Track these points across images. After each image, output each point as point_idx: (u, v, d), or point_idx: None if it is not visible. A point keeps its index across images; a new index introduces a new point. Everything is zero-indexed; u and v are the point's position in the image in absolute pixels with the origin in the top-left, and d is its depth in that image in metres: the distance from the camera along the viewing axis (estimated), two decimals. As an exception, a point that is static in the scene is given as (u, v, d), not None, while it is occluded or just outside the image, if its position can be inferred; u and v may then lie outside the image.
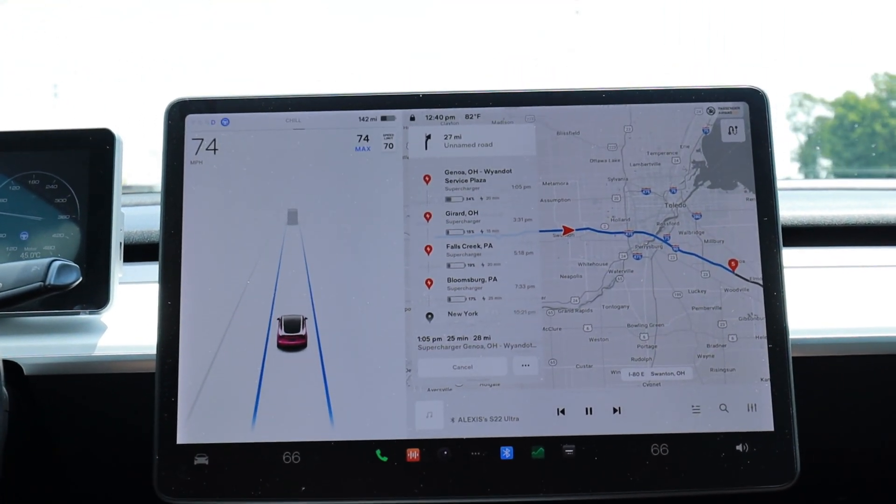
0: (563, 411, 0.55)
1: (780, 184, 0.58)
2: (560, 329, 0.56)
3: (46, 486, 0.67)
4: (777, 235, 0.57)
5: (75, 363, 0.61)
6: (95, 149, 0.67)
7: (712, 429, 0.55)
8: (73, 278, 0.57)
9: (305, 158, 0.58)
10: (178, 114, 0.59)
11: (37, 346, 0.62)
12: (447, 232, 0.57)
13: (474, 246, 0.57)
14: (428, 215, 0.58)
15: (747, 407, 0.55)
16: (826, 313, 0.66)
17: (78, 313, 0.65)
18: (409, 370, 0.55)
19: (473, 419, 0.55)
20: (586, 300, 0.56)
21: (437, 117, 0.59)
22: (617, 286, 0.57)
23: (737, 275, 0.57)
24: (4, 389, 0.56)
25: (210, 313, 0.56)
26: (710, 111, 0.59)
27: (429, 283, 0.57)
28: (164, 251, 0.57)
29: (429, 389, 0.55)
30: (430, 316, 0.56)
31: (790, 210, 0.86)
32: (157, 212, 0.57)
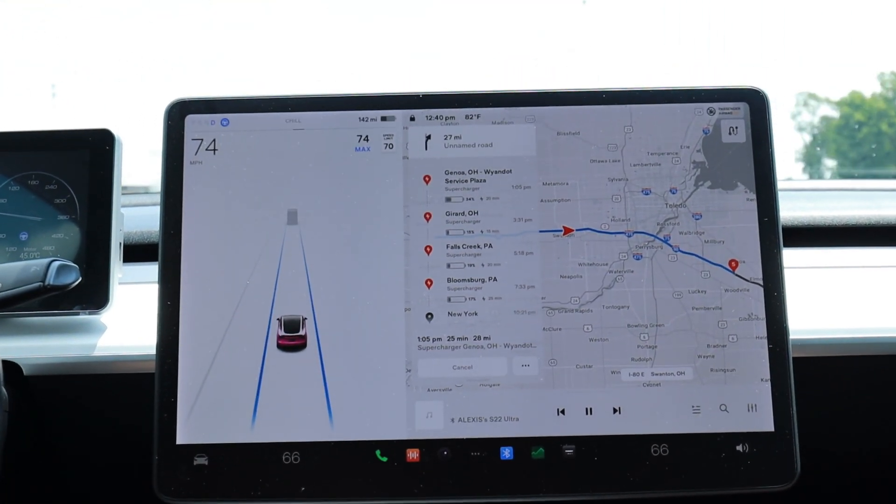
0: (563, 411, 0.55)
1: (780, 184, 0.58)
2: (560, 329, 0.56)
3: (46, 487, 0.67)
4: (777, 236, 0.57)
5: (75, 363, 0.61)
6: (95, 149, 0.67)
7: (712, 429, 0.55)
8: (73, 278, 0.57)
9: (305, 159, 0.58)
10: (178, 114, 0.59)
11: (36, 347, 0.62)
12: (447, 232, 0.57)
13: (474, 246, 0.57)
14: (428, 215, 0.58)
15: (747, 407, 0.55)
16: (826, 314, 0.66)
17: (77, 313, 0.65)
18: (409, 370, 0.55)
19: (473, 419, 0.55)
20: (586, 300, 0.56)
21: (437, 117, 0.59)
22: (617, 286, 0.57)
23: (737, 275, 0.57)
24: (4, 390, 0.56)
25: (210, 313, 0.56)
26: (711, 111, 0.59)
27: (429, 283, 0.57)
28: (163, 251, 0.57)
29: (429, 389, 0.55)
30: (430, 316, 0.56)
31: (790, 210, 0.86)
32: (157, 212, 0.57)
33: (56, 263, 0.56)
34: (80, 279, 0.57)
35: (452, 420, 0.55)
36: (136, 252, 0.78)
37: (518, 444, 0.54)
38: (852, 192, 1.07)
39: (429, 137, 0.59)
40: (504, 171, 0.58)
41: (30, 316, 0.66)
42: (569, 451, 0.54)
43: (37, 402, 0.62)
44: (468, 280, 0.57)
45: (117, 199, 0.67)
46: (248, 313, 0.56)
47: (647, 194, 0.58)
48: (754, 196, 0.57)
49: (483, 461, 0.54)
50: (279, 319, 0.56)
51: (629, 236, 0.57)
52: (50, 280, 0.55)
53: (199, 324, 0.56)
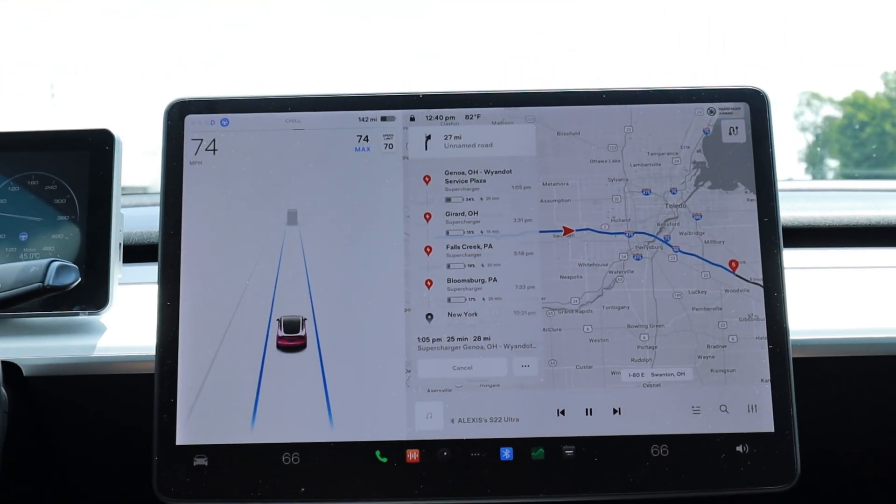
0: (563, 412, 0.55)
1: (780, 184, 0.58)
2: (560, 330, 0.56)
3: (46, 487, 0.67)
4: (777, 236, 0.57)
5: (75, 364, 0.61)
6: (95, 149, 0.67)
7: (712, 430, 0.55)
8: (73, 279, 0.56)
9: (305, 159, 0.58)
10: (178, 114, 0.59)
11: (36, 347, 0.62)
12: (447, 232, 0.57)
13: (474, 246, 0.57)
14: (428, 216, 0.58)
15: (747, 408, 0.55)
16: (826, 314, 0.66)
17: (77, 314, 0.65)
18: (409, 371, 0.55)
19: (473, 420, 0.55)
20: (586, 301, 0.56)
21: (437, 118, 0.59)
22: (617, 287, 0.56)
23: (737, 275, 0.57)
24: (4, 390, 0.56)
25: (209, 314, 0.56)
26: (711, 112, 0.59)
27: (429, 283, 0.57)
28: (163, 252, 0.57)
29: (428, 390, 0.55)
30: (429, 316, 0.56)
31: (791, 211, 0.86)
32: (157, 212, 0.57)
33: (56, 264, 0.56)
34: (79, 280, 0.57)
35: (452, 420, 0.55)
36: (136, 252, 0.78)
37: (518, 444, 0.54)
38: (852, 193, 1.07)
39: (429, 137, 0.59)
40: (504, 172, 0.58)
41: (29, 316, 0.66)
42: (569, 452, 0.54)
43: (36, 402, 0.62)
44: (468, 280, 0.57)
45: (117, 199, 0.67)
46: (248, 314, 0.56)
47: (647, 194, 0.58)
48: (754, 196, 0.57)
49: (483, 462, 0.54)
50: (279, 320, 0.56)
51: (629, 236, 0.57)
52: (50, 280, 0.55)
53: (198, 324, 0.56)
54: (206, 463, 0.54)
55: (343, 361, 0.55)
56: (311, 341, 0.56)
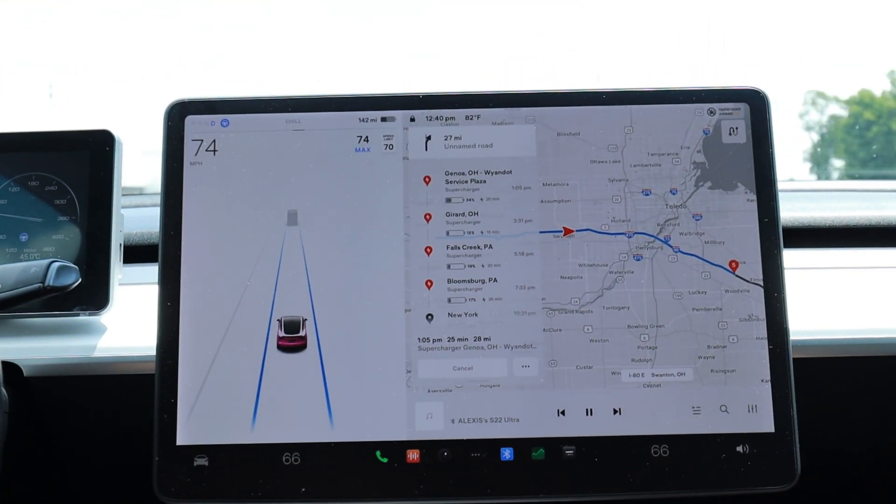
0: (563, 412, 0.55)
1: (780, 185, 0.58)
2: (560, 330, 0.56)
3: (46, 488, 0.67)
4: (777, 236, 0.57)
5: (75, 364, 0.61)
6: (95, 150, 0.67)
7: (713, 430, 0.55)
8: (73, 279, 0.57)
9: (305, 159, 0.58)
10: (178, 115, 0.59)
11: (36, 348, 0.62)
12: (447, 233, 0.57)
13: (474, 247, 0.57)
14: (428, 216, 0.58)
15: (748, 408, 0.55)
16: (827, 315, 0.66)
17: (77, 314, 0.65)
18: (409, 371, 0.55)
19: (473, 420, 0.55)
20: (586, 301, 0.56)
21: (437, 118, 0.59)
22: (617, 287, 0.57)
23: (737, 276, 0.57)
24: (4, 391, 0.56)
25: (210, 314, 0.56)
26: (711, 112, 0.59)
27: (429, 284, 0.57)
28: (163, 252, 0.57)
29: (429, 390, 0.55)
30: (430, 317, 0.56)
31: (791, 211, 0.86)
32: (157, 213, 0.57)
33: (56, 264, 0.56)
34: (80, 280, 0.57)
35: (453, 421, 0.55)
36: (137, 253, 0.78)
37: (518, 444, 0.54)
38: (853, 193, 1.07)
39: (429, 138, 0.59)
40: (504, 172, 0.58)
41: (30, 317, 0.66)
42: (569, 452, 0.54)
43: (37, 403, 0.62)
44: (468, 281, 0.57)
45: (117, 200, 0.67)
46: (249, 314, 0.56)
47: (647, 195, 0.58)
48: (754, 197, 0.57)
49: (483, 462, 0.54)
50: (279, 320, 0.56)
51: (629, 237, 0.57)
52: (50, 281, 0.55)
53: (199, 325, 0.56)
54: (206, 463, 0.54)
55: (343, 362, 0.55)
56: (311, 342, 0.56)
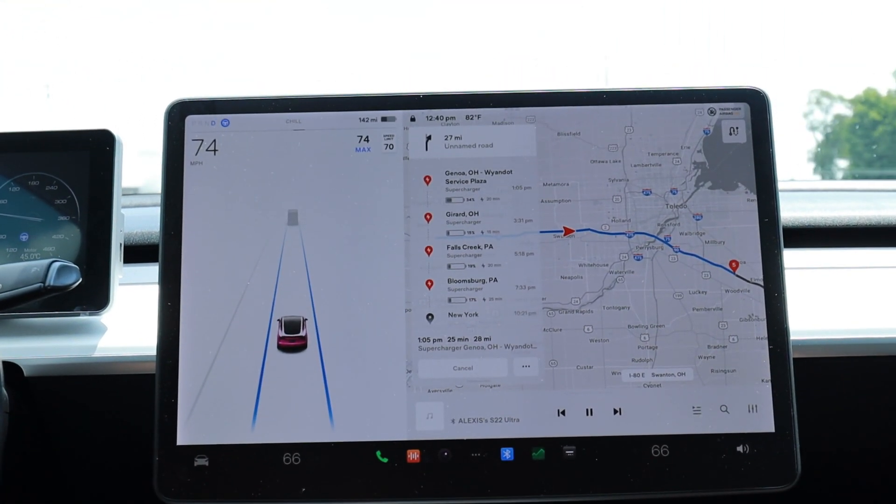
0: (563, 412, 0.55)
1: (781, 184, 0.58)
2: (560, 330, 0.56)
3: (47, 488, 0.67)
4: (778, 236, 0.57)
5: (75, 364, 0.61)
6: (95, 150, 0.67)
7: (713, 430, 0.55)
8: (73, 279, 0.57)
9: (306, 159, 0.58)
10: (178, 115, 0.59)
11: (37, 348, 0.62)
12: (447, 233, 0.57)
13: (475, 247, 0.57)
14: (428, 216, 0.58)
15: (748, 408, 0.55)
16: (827, 314, 0.66)
17: (78, 314, 0.65)
18: (410, 371, 0.55)
19: (474, 420, 0.55)
20: (587, 301, 0.56)
21: (437, 118, 0.59)
22: (617, 287, 0.57)
23: (737, 276, 0.57)
24: (4, 391, 0.56)
25: (210, 314, 0.56)
26: (711, 112, 0.59)
27: (429, 283, 0.57)
28: (164, 252, 0.57)
29: (429, 390, 0.55)
30: (430, 317, 0.56)
31: (791, 211, 0.86)
32: (157, 213, 0.57)
33: (56, 264, 0.56)
34: (80, 280, 0.57)
35: (453, 421, 0.55)
36: (137, 253, 0.78)
37: (518, 444, 0.54)
38: (853, 193, 1.07)
39: (429, 138, 0.59)
40: (504, 172, 0.58)
41: (30, 317, 0.66)
42: (569, 452, 0.54)
43: (37, 402, 0.62)
44: (468, 281, 0.57)
45: (118, 199, 0.67)
46: (249, 314, 0.56)
47: (647, 195, 0.58)
48: (755, 196, 0.57)
49: (483, 462, 0.54)
50: (279, 320, 0.56)
51: (630, 237, 0.57)
52: (50, 281, 0.55)
53: (199, 324, 0.56)
54: (206, 463, 0.54)
55: (344, 362, 0.55)
56: (311, 341, 0.56)
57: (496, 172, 0.58)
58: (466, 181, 0.58)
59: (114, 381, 0.62)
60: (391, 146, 0.58)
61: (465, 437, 0.54)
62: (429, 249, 0.57)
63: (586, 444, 0.54)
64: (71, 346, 0.63)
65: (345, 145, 0.58)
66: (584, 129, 0.58)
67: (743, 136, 0.58)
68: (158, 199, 0.58)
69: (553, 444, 0.54)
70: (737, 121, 0.59)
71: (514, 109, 0.59)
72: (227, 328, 0.56)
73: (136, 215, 0.84)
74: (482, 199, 0.58)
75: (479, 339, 0.56)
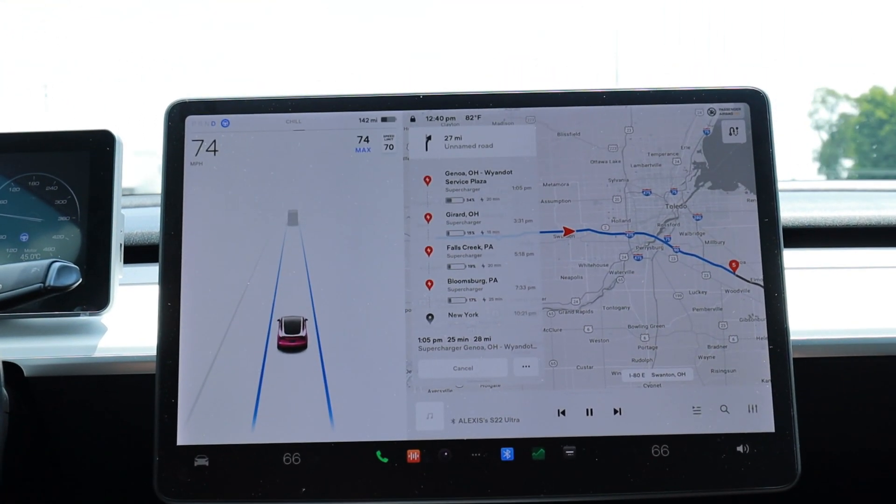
0: (563, 412, 0.55)
1: (781, 185, 0.58)
2: (560, 330, 0.56)
3: (47, 488, 0.67)
4: (778, 236, 0.57)
5: (75, 364, 0.61)
6: (95, 150, 0.67)
7: (713, 430, 0.55)
8: (73, 279, 0.57)
9: (306, 159, 0.58)
10: (179, 115, 0.59)
11: (37, 348, 0.62)
12: (447, 233, 0.57)
13: (475, 247, 0.57)
14: (428, 216, 0.58)
15: (748, 408, 0.55)
16: (827, 314, 0.66)
17: (78, 315, 0.65)
18: (410, 371, 0.55)
19: (474, 420, 0.55)
20: (587, 301, 0.56)
21: (437, 118, 0.59)
22: (617, 287, 0.57)
23: (737, 276, 0.57)
24: (4, 391, 0.56)
25: (210, 314, 0.56)
26: (711, 112, 0.59)
27: (429, 284, 0.57)
28: (164, 252, 0.57)
29: (429, 390, 0.55)
30: (430, 317, 0.56)
31: (791, 211, 0.86)
32: (157, 213, 0.57)
33: (57, 264, 0.56)
34: (80, 280, 0.57)
35: (453, 421, 0.55)
36: (137, 253, 0.78)
37: (519, 444, 0.54)
38: (853, 193, 1.07)
39: (429, 138, 0.59)
40: (504, 172, 0.58)
41: (30, 317, 0.66)
42: (569, 452, 0.54)
43: (37, 403, 0.62)
44: (469, 281, 0.57)
45: (118, 200, 0.67)
46: (249, 314, 0.56)
47: (647, 195, 0.58)
48: (755, 196, 0.57)
49: (484, 462, 0.54)
50: (280, 320, 0.56)
51: (630, 237, 0.57)
52: (50, 281, 0.55)
53: (199, 325, 0.56)
54: (206, 463, 0.54)
55: (344, 362, 0.55)
56: (311, 342, 0.56)
57: (496, 173, 0.58)
58: (466, 181, 0.58)
59: (114, 382, 0.62)
60: (391, 146, 0.58)
61: (465, 437, 0.54)
62: (429, 250, 0.57)
63: (586, 444, 0.54)
64: (71, 346, 0.63)
65: (345, 145, 0.58)
66: (584, 130, 0.58)
67: (743, 136, 0.58)
68: (158, 200, 0.58)
69: (553, 444, 0.54)
70: (737, 121, 0.59)
71: (514, 110, 0.59)
72: (227, 328, 0.56)
73: (137, 215, 0.84)
74: (482, 200, 0.58)
75: (479, 339, 0.56)
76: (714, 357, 0.56)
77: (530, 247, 0.57)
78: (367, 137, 0.58)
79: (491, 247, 0.57)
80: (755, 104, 0.59)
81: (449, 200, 0.58)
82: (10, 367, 0.60)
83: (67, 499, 0.68)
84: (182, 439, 0.54)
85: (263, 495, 0.54)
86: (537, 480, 0.54)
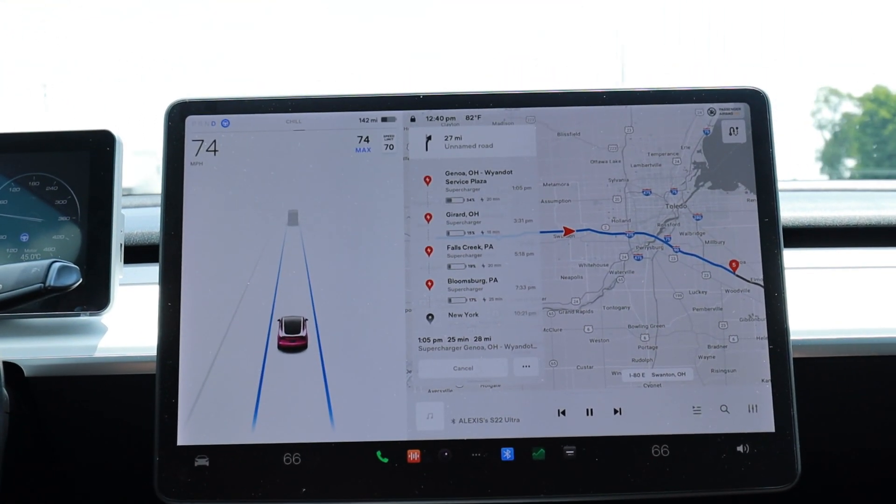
0: (563, 412, 0.55)
1: (781, 184, 0.58)
2: (561, 330, 0.56)
3: (47, 488, 0.67)
4: (778, 236, 0.57)
5: (76, 365, 0.62)
6: (96, 150, 0.67)
7: (713, 430, 0.55)
8: (74, 280, 0.57)
9: (306, 159, 0.58)
10: (179, 115, 0.59)
11: (37, 348, 0.62)
12: (448, 233, 0.57)
13: (475, 247, 0.57)
14: (428, 216, 0.58)
15: (748, 408, 0.55)
16: (827, 314, 0.66)
17: (78, 315, 0.65)
18: (410, 371, 0.55)
19: (474, 420, 0.55)
20: (587, 301, 0.56)
21: (437, 118, 0.59)
22: (618, 287, 0.57)
23: (738, 276, 0.57)
24: (5, 391, 0.56)
25: (210, 314, 0.56)
26: (711, 112, 0.59)
27: (429, 284, 0.57)
28: (164, 253, 0.57)
29: (429, 390, 0.55)
30: (430, 317, 0.56)
31: (791, 211, 0.86)
32: (158, 213, 0.57)
33: (57, 265, 0.56)
34: (80, 280, 0.57)
35: (453, 421, 0.55)
36: (137, 253, 0.78)
37: (519, 444, 0.54)
38: (853, 193, 1.07)
39: (429, 138, 0.59)
40: (504, 172, 0.58)
41: (30, 317, 0.66)
42: (569, 452, 0.54)
43: (37, 403, 0.62)
44: (469, 281, 0.57)
45: (118, 200, 0.67)
46: (249, 314, 0.56)
47: (647, 195, 0.58)
48: (755, 196, 0.57)
49: (484, 462, 0.54)
50: (280, 320, 0.56)
51: (630, 237, 0.57)
52: (51, 281, 0.55)
53: (199, 325, 0.56)
54: (207, 463, 0.54)
55: (344, 362, 0.55)
56: (311, 342, 0.56)
57: (496, 173, 0.58)
58: (466, 181, 0.58)
59: (114, 382, 0.62)
60: (391, 146, 0.58)
61: (465, 437, 0.55)
62: (429, 250, 0.57)
63: (586, 444, 0.54)
64: (71, 346, 0.63)
65: (345, 145, 0.58)
66: (584, 130, 0.58)
67: (743, 136, 0.58)
68: (158, 200, 0.58)
69: (553, 444, 0.54)
70: (737, 121, 0.59)
71: (514, 110, 0.59)
72: (227, 328, 0.56)
73: (137, 216, 0.84)
74: (482, 200, 0.58)
75: (480, 339, 0.56)
76: (714, 357, 0.56)
77: (530, 247, 0.57)
78: (368, 137, 0.58)
79: (491, 247, 0.57)
80: (755, 104, 0.59)
81: (449, 200, 0.58)
82: (11, 368, 0.60)
83: (67, 499, 0.68)
84: (182, 439, 0.54)
85: (264, 495, 0.54)
86: (537, 480, 0.54)
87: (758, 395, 0.55)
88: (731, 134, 0.58)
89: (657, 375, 0.55)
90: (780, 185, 0.58)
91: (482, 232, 0.57)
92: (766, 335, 0.56)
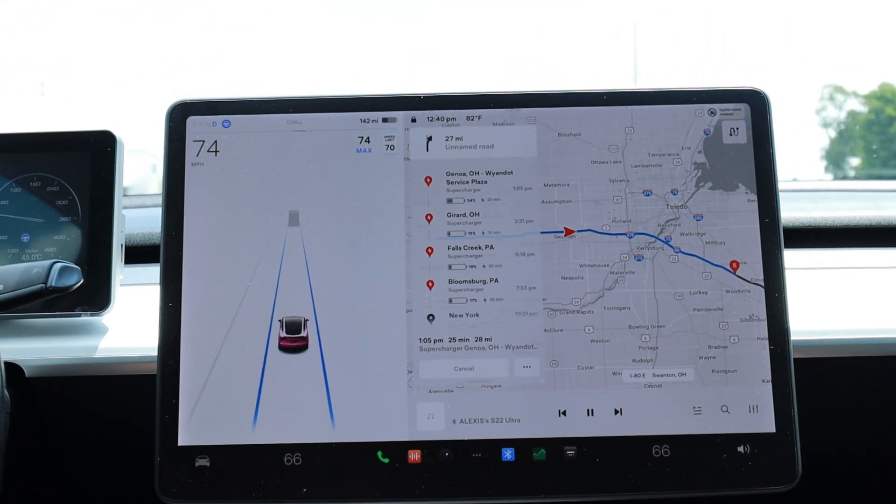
0: (564, 413, 0.55)
1: (781, 185, 0.58)
2: (561, 330, 0.56)
3: (48, 488, 0.67)
4: (778, 237, 0.57)
5: (77, 365, 0.62)
6: (96, 151, 0.68)
7: (714, 430, 0.55)
8: (75, 280, 0.57)
9: (307, 160, 0.58)
10: (180, 116, 0.59)
11: (38, 348, 0.62)
12: (448, 233, 0.57)
13: (475, 247, 0.57)
14: (429, 217, 0.58)
15: (749, 408, 0.55)
16: (827, 315, 0.66)
17: (79, 315, 0.65)
18: (411, 371, 0.55)
19: (475, 420, 0.55)
20: (587, 301, 0.56)
21: (438, 119, 0.59)
22: (618, 287, 0.57)
23: (738, 276, 0.57)
24: (6, 391, 0.56)
25: (211, 315, 0.56)
26: (712, 113, 0.59)
27: (430, 284, 0.57)
28: (165, 253, 0.57)
29: (430, 391, 0.55)
30: (431, 317, 0.56)
31: (791, 211, 0.86)
32: (158, 214, 0.57)
33: (58, 265, 0.56)
34: (81, 281, 0.57)
35: (454, 421, 0.55)
36: (138, 254, 0.78)
37: (519, 445, 0.54)
38: (853, 193, 1.07)
39: (430, 139, 0.59)
40: (505, 173, 0.58)
41: (31, 317, 0.66)
42: (570, 453, 0.54)
43: (38, 403, 0.62)
44: (469, 281, 0.57)
45: (119, 200, 0.67)
46: (250, 315, 0.56)
47: (648, 195, 0.58)
48: (755, 197, 0.57)
49: (484, 462, 0.54)
50: (280, 321, 0.56)
51: (630, 237, 0.57)
52: (52, 282, 0.55)
53: (200, 325, 0.56)
54: (207, 463, 0.54)
55: (345, 362, 0.55)
56: (312, 342, 0.56)
57: (497, 173, 0.58)
58: (467, 182, 0.58)
59: (115, 382, 0.62)
60: (392, 147, 0.58)
61: (465, 438, 0.55)
62: (430, 250, 0.57)
63: (587, 445, 0.54)
64: (72, 346, 0.63)
65: (346, 146, 0.58)
66: (585, 130, 0.59)
67: (743, 136, 0.59)
68: (158, 200, 0.58)
69: (554, 445, 0.54)
70: (737, 121, 0.59)
71: (515, 110, 0.59)
72: (228, 329, 0.56)
73: (137, 216, 0.84)
74: (483, 200, 0.58)
75: (480, 339, 0.56)
76: (715, 357, 0.56)
77: (531, 247, 0.57)
78: (368, 138, 0.58)
79: (492, 247, 0.57)
80: (755, 104, 0.59)
81: (450, 201, 0.58)
82: (12, 368, 0.60)
83: (68, 499, 0.68)
84: (183, 439, 0.54)
85: (264, 496, 0.54)
86: (538, 481, 0.54)
87: (758, 395, 0.55)
88: (731, 134, 0.59)
89: (658, 376, 0.55)
90: (781, 185, 0.58)
91: (483, 232, 0.57)
92: (767, 335, 0.56)
